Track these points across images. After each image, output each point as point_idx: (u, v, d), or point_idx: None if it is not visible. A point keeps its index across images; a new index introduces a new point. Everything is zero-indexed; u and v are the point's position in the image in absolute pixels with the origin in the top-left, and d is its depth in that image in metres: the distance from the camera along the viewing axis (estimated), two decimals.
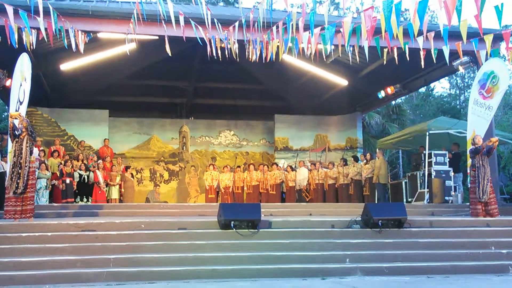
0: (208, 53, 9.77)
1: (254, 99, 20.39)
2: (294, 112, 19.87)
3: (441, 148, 14.20)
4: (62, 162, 14.10)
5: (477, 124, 11.18)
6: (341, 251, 7.61)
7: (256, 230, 7.81)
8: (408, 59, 9.78)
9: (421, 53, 9.58)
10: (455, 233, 8.41)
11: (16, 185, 8.29)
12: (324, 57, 9.63)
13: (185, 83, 19.47)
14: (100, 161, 14.82)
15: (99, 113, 17.75)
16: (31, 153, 8.68)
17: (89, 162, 14.95)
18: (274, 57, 9.68)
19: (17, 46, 8.89)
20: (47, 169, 12.87)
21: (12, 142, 8.59)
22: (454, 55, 11.47)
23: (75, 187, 13.84)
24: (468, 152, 10.66)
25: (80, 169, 14.23)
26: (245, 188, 15.23)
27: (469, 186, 10.32)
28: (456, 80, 35.15)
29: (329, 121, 19.52)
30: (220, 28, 9.40)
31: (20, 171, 8.33)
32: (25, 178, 8.37)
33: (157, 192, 18.40)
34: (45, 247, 7.21)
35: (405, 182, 14.72)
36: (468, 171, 11.23)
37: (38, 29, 9.05)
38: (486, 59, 10.80)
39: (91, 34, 11.08)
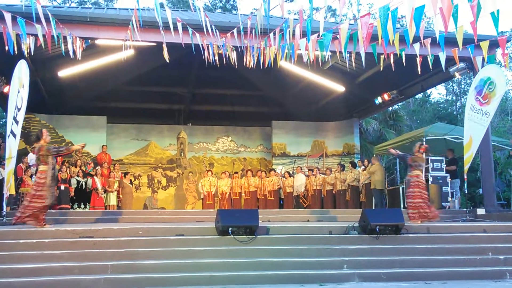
0: (206, 60, 9.81)
1: (251, 105, 20.44)
2: (292, 118, 19.91)
3: (437, 154, 14.22)
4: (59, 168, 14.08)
5: (473, 130, 11.21)
6: (338, 257, 7.62)
7: (254, 236, 7.81)
8: (404, 65, 9.83)
9: (418, 59, 9.63)
10: (452, 239, 8.43)
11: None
12: (320, 63, 9.69)
13: (183, 89, 19.51)
14: (98, 167, 14.81)
15: (97, 119, 17.75)
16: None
17: (88, 167, 14.93)
18: (272, 63, 9.71)
19: (16, 52, 8.91)
20: None
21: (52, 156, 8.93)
22: (450, 61, 11.53)
23: (72, 193, 13.81)
24: None
25: (77, 176, 14.21)
26: (242, 194, 15.23)
27: None
28: (453, 86, 35.27)
29: (326, 127, 19.55)
30: (218, 35, 9.44)
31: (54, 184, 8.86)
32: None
33: (155, 198, 18.39)
34: (43, 254, 7.20)
35: (403, 188, 14.71)
36: (465, 177, 11.30)
37: (36, 35, 9.08)
38: (483, 65, 10.86)
39: (89, 40, 11.09)
